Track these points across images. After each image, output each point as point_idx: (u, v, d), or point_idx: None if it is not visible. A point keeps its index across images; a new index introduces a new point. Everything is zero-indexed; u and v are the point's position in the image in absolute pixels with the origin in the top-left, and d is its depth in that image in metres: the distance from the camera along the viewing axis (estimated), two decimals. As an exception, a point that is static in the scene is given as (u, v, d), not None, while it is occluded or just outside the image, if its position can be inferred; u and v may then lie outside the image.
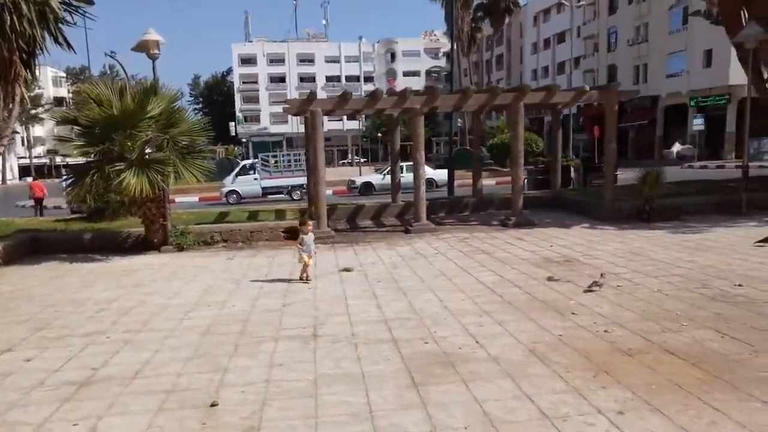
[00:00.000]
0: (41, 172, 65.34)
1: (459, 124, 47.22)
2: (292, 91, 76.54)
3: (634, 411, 4.03)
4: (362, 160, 62.06)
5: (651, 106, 42.25)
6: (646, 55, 43.01)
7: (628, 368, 4.79)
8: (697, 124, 35.15)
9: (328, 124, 40.77)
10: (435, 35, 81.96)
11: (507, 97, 13.48)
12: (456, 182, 20.44)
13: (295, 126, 76.13)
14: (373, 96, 13.22)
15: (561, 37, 54.87)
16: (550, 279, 7.99)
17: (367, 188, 27.82)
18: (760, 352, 5.00)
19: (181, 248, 11.87)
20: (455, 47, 43.95)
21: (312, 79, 77.85)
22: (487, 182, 24.38)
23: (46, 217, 17.86)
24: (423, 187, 13.36)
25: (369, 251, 11.04)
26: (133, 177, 10.67)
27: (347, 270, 9.27)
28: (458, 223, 14.20)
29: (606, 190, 13.83)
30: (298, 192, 25.98)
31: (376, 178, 28.46)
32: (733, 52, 36.80)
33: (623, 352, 5.16)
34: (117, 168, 10.82)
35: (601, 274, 7.60)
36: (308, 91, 14.23)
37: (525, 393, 4.40)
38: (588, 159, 24.78)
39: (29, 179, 42.97)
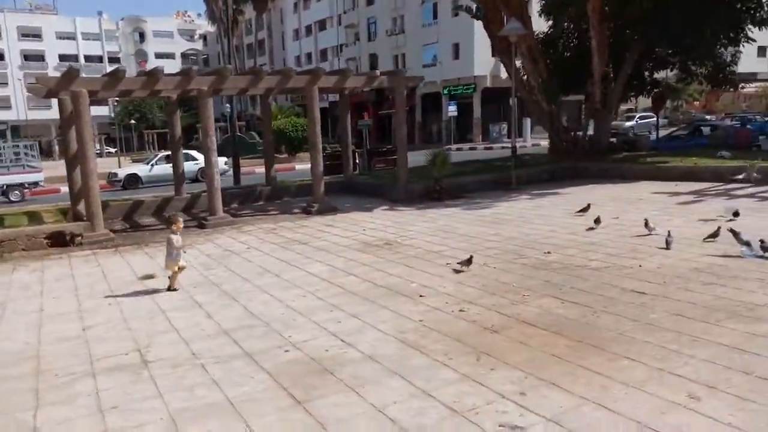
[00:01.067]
0: None
1: (228, 110, 45.12)
2: (15, 70, 65.22)
3: (534, 389, 3.97)
4: (113, 150, 55.39)
5: (410, 94, 45.47)
6: (403, 46, 46.13)
7: (503, 346, 4.77)
8: (451, 110, 38.90)
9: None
10: (189, 16, 77.19)
11: (301, 80, 12.98)
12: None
13: (21, 111, 65.25)
14: (152, 75, 11.56)
15: (322, 25, 55.99)
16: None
17: (132, 181, 24.90)
18: (599, 313, 5.40)
19: None
20: (218, 30, 41.84)
21: (41, 57, 67.30)
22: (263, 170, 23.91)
23: None
24: (218, 177, 12.22)
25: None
26: None
27: (150, 277, 7.93)
28: (257, 214, 13.35)
29: (400, 173, 14.28)
30: (17, 192, 21.39)
31: (143, 169, 25.63)
32: (477, 45, 41.56)
33: (490, 330, 5.15)
34: None
35: (470, 258, 7.27)
36: (39, 71, 11.86)
37: (421, 390, 4.06)
38: (360, 144, 25.51)
39: None
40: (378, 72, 14.25)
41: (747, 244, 6.90)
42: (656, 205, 10.83)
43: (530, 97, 17.85)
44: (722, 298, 5.48)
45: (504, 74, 42.53)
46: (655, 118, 41.70)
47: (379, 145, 25.45)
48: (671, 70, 19.73)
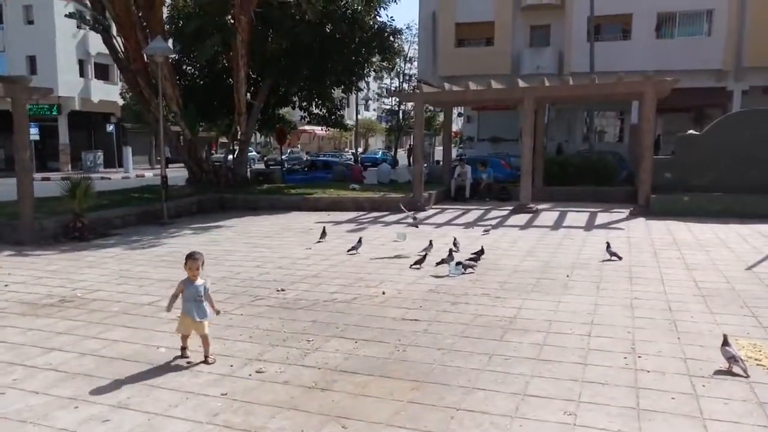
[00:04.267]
0: None
1: None
2: None
3: (437, 446, 3.57)
4: None
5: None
6: (-48, 50, 36.88)
7: (350, 404, 4.14)
8: (32, 133, 32.77)
9: None
10: None
11: None
12: None
13: None
14: None
15: None
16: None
17: None
18: (400, 347, 5.23)
19: None
20: None
21: None
22: None
23: None
24: None
25: None
26: None
27: None
28: None
29: (24, 207, 11.21)
30: None
31: None
32: (61, 62, 36.74)
33: (317, 389, 4.41)
34: None
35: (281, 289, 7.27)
36: None
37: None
38: None
39: None
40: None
41: (456, 264, 7.91)
42: (332, 235, 11.35)
43: (167, 124, 16.55)
44: (481, 315, 6.09)
45: (97, 98, 38.98)
46: (252, 153, 44.79)
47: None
48: (293, 108, 21.37)
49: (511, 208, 14.34)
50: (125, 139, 39.52)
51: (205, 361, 4.94)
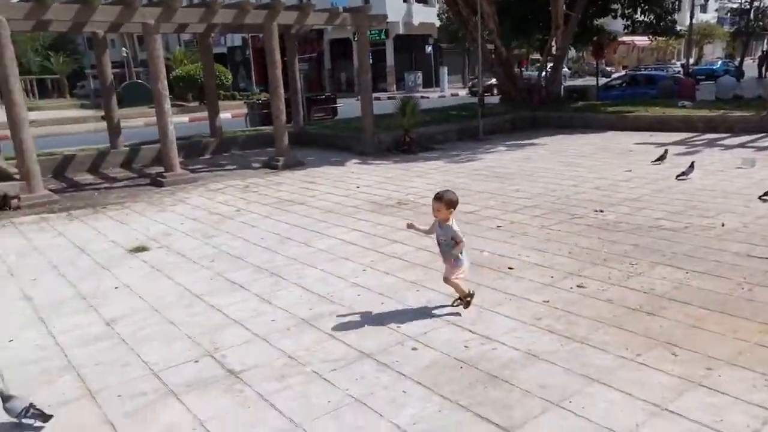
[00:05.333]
0: None
1: (124, 54, 40.38)
2: None
3: (792, 395, 3.17)
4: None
5: (317, 39, 43.25)
6: (309, -13, 43.41)
7: (681, 333, 3.92)
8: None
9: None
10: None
11: (258, 15, 11.12)
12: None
13: None
14: (87, 3, 9.27)
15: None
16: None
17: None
18: (747, 285, 4.63)
19: None
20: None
21: None
22: (178, 119, 21.45)
23: None
24: (172, 127, 10.32)
25: (135, 217, 7.96)
26: None
27: (142, 249, 6.34)
28: (215, 169, 11.66)
29: (366, 123, 13.00)
30: None
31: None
32: (389, -11, 39.63)
33: (643, 312, 4.29)
34: None
35: (599, 209, 7.18)
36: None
37: (652, 403, 3.12)
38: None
39: None
40: (341, 8, 12.65)
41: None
42: (652, 156, 10.42)
43: (484, 42, 16.94)
44: None
45: (417, 20, 41.80)
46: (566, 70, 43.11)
47: (316, 93, 23.83)
48: (614, 17, 19.60)
49: None
50: (441, 59, 41.83)
51: (461, 302, 4.45)
